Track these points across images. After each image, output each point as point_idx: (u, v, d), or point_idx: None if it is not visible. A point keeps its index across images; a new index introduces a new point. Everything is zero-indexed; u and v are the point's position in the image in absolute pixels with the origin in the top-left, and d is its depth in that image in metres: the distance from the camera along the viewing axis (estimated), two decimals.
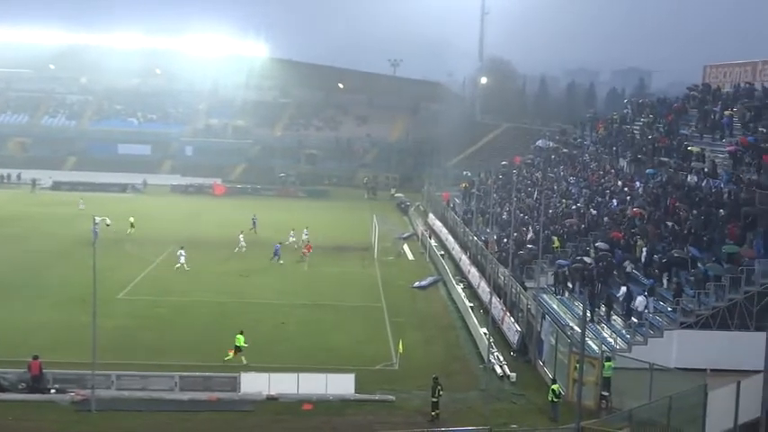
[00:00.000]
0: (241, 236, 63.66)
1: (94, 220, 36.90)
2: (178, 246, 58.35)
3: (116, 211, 73.38)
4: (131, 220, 68.96)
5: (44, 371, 32.66)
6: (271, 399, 32.83)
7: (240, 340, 37.07)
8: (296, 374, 33.47)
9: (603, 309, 38.65)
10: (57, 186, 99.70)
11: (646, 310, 36.20)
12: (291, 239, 64.22)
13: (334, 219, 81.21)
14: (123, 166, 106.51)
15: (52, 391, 32.53)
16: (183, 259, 55.98)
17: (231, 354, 36.58)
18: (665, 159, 53.66)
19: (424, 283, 55.28)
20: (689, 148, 51.45)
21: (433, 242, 68.24)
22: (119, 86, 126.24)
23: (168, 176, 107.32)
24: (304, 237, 64.18)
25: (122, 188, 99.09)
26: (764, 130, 46.52)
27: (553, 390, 31.68)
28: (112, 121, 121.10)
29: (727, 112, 54.12)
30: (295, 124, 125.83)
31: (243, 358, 36.59)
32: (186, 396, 32.62)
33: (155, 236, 67.63)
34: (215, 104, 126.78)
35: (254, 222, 70.32)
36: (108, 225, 63.39)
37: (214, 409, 31.91)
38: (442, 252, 64.65)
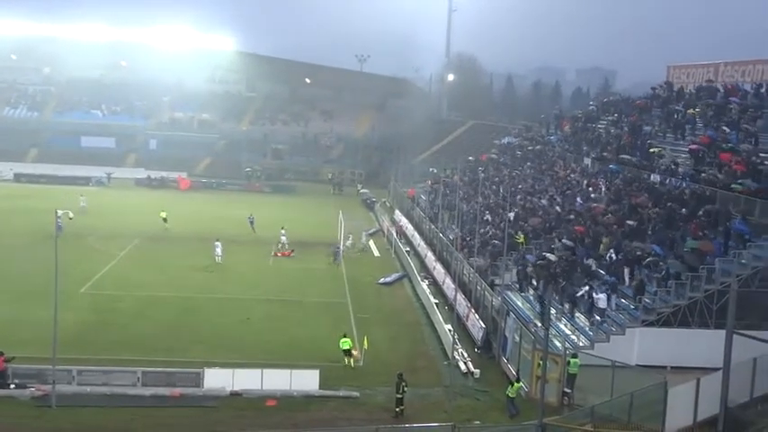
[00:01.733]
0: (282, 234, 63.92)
1: (57, 213, 36.44)
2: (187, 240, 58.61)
3: (78, 204, 72.48)
4: (163, 215, 69.04)
5: (6, 365, 32.22)
6: (234, 394, 32.67)
7: (347, 343, 36.91)
8: (260, 370, 33.33)
9: (567, 306, 38.92)
10: (18, 179, 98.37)
11: (608, 308, 36.53)
12: (283, 238, 63.72)
13: (299, 214, 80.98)
14: (86, 159, 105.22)
15: (12, 386, 32.09)
16: (219, 251, 56.94)
17: (349, 357, 36.60)
18: (629, 158, 54.20)
19: (389, 279, 55.32)
20: (650, 150, 51.99)
21: (398, 238, 68.31)
22: (82, 78, 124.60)
23: (132, 170, 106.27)
24: (282, 239, 63.73)
25: (86, 181, 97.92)
26: (726, 130, 47.16)
27: (514, 386, 31.86)
28: (76, 113, 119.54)
29: (690, 112, 54.81)
30: (261, 119, 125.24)
31: (352, 360, 36.61)
32: (149, 392, 32.35)
33: (119, 230, 66.95)
34: (180, 97, 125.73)
35: (252, 222, 69.31)
36: (71, 219, 62.54)
37: (177, 405, 31.68)
38: (408, 248, 64.74)
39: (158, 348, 37.52)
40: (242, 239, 65.70)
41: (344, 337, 37.49)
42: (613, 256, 40.60)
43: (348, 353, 36.74)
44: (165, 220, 68.09)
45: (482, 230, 53.30)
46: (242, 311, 44.96)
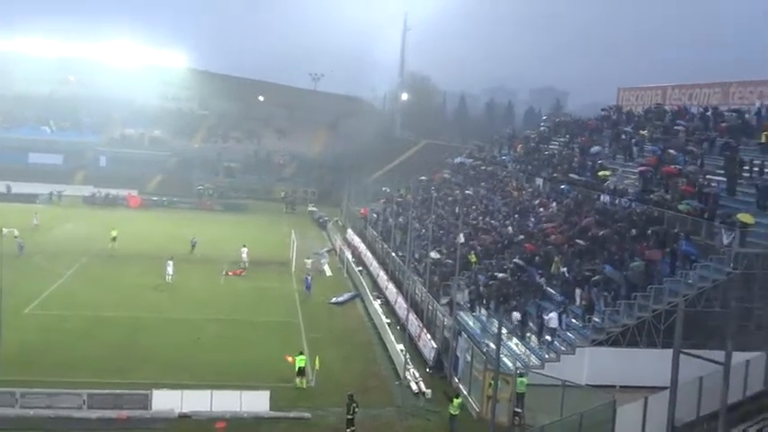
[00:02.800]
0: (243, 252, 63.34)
1: (1, 231, 35.83)
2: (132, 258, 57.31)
3: (26, 222, 71.29)
4: (114, 233, 67.65)
5: None
6: (183, 417, 32.25)
7: (303, 361, 36.54)
8: (209, 391, 32.98)
9: (519, 325, 39.21)
10: None
11: (559, 327, 36.90)
12: (244, 258, 63.28)
13: (251, 233, 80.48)
14: (34, 176, 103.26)
15: None
16: (170, 270, 56.11)
17: (302, 378, 36.29)
18: (579, 178, 54.94)
19: (341, 298, 55.20)
20: (599, 173, 52.75)
21: (351, 258, 68.27)
22: (31, 93, 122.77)
23: (81, 187, 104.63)
24: (243, 257, 63.35)
25: (32, 198, 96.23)
26: (672, 152, 48.09)
27: (454, 403, 31.99)
28: (23, 129, 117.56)
29: (639, 133, 55.82)
30: (214, 136, 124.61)
31: (304, 381, 36.33)
32: (95, 414, 31.76)
33: (66, 248, 65.92)
34: (131, 114, 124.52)
35: (194, 245, 68.36)
36: (16, 237, 61.65)
37: (124, 428, 31.20)
38: (360, 268, 64.72)
39: (106, 369, 36.94)
40: (193, 258, 65.15)
41: (301, 354, 37.31)
42: (566, 274, 41.05)
43: (302, 372, 36.56)
44: (113, 239, 67.20)
45: (434, 250, 53.52)
46: (192, 331, 44.47)
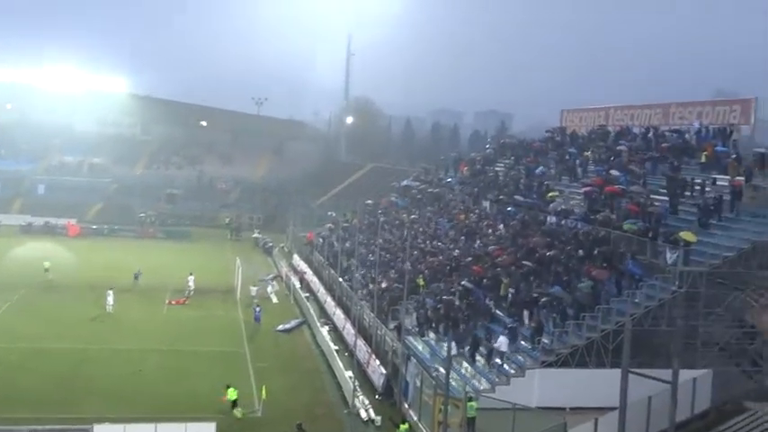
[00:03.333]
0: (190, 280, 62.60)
1: None
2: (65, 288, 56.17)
3: None
4: (47, 264, 66.20)
5: None
6: None
7: (234, 393, 35.76)
8: (153, 425, 32.35)
9: (468, 349, 39.22)
10: None
11: (508, 350, 36.97)
12: (190, 285, 62.46)
13: (195, 260, 79.57)
14: None
15: None
16: (110, 300, 55.22)
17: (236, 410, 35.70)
18: (525, 199, 55.36)
19: (288, 326, 54.84)
20: (548, 194, 53.23)
21: (297, 284, 67.86)
22: None
23: (18, 216, 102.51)
24: (189, 285, 62.60)
25: None
26: (616, 173, 48.74)
27: (400, 428, 31.86)
28: None
29: (584, 154, 56.51)
30: (156, 162, 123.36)
31: (239, 411, 35.70)
32: None
33: (2, 280, 64.33)
34: (70, 141, 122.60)
35: (137, 277, 67.05)
36: None
37: None
38: (307, 294, 64.35)
39: (47, 403, 36.11)
40: (135, 288, 64.11)
41: (229, 387, 36.88)
42: (513, 297, 41.21)
43: (235, 404, 36.13)
44: (46, 270, 65.79)
45: (382, 274, 53.45)
46: (134, 363, 43.74)
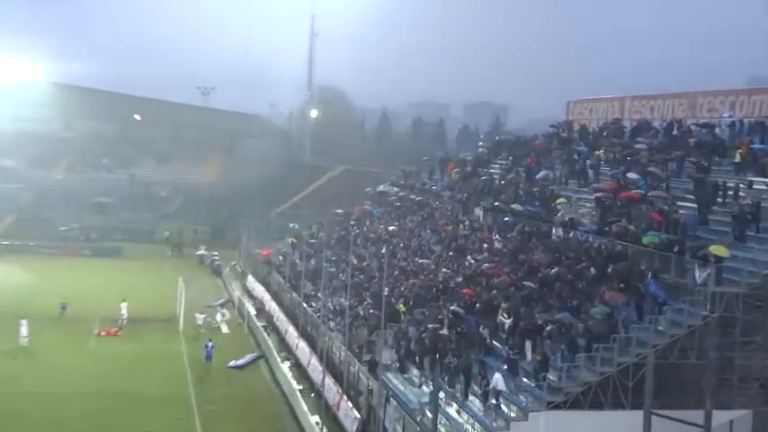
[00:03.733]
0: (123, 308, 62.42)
1: None
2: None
3: None
4: None
5: None
6: None
7: None
8: None
9: (459, 387, 39.07)
10: None
11: (507, 389, 36.85)
12: (123, 313, 62.12)
13: (128, 283, 79.12)
14: None
15: None
16: (24, 330, 55.03)
17: None
18: (526, 208, 55.41)
19: (241, 361, 54.71)
20: (554, 202, 53.26)
21: (252, 311, 67.56)
22: None
23: None
24: (122, 313, 62.23)
25: None
26: (633, 175, 48.86)
27: None
28: None
29: (597, 153, 56.68)
30: (81, 165, 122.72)
31: None
32: None
33: None
34: None
35: (64, 308, 65.46)
36: None
37: None
38: (264, 323, 64.17)
39: None
40: (55, 317, 63.56)
41: None
42: (512, 325, 41.11)
43: None
44: None
45: (354, 299, 53.30)
46: (53, 408, 43.31)
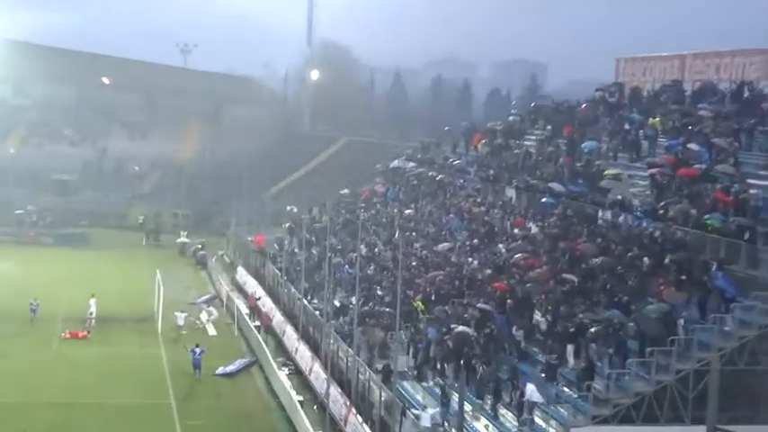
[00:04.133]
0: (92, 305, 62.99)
1: None
2: None
3: None
4: None
5: None
6: None
7: None
8: None
9: (488, 399, 39.40)
10: None
11: (542, 400, 37.16)
12: (92, 311, 62.67)
13: (96, 276, 79.55)
14: None
15: None
16: None
17: None
18: (568, 187, 55.50)
19: (231, 368, 54.89)
20: (606, 172, 53.33)
21: (244, 308, 67.81)
22: None
23: None
24: (91, 310, 62.75)
25: None
26: (694, 147, 48.92)
27: None
28: None
29: (652, 121, 56.70)
30: (37, 136, 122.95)
31: None
32: None
33: None
34: None
35: (35, 310, 64.70)
36: None
37: None
38: (258, 323, 64.40)
39: None
40: (12, 313, 64.05)
41: None
42: (551, 325, 41.38)
43: None
44: None
45: (364, 295, 53.58)
46: (15, 422, 43.73)
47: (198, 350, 53.73)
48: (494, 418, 38.41)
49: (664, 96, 60.88)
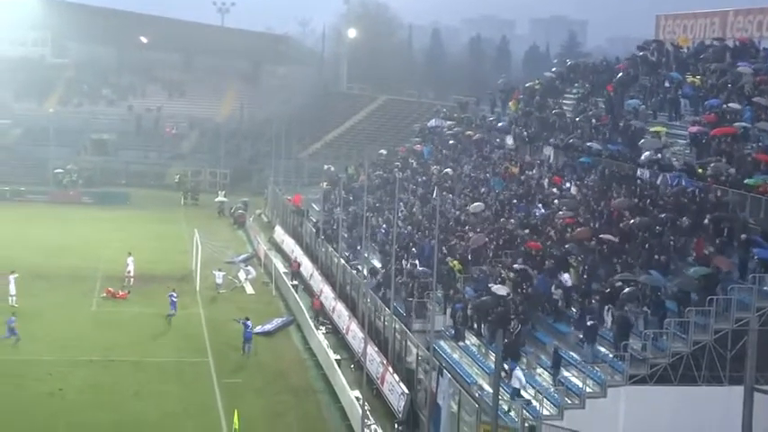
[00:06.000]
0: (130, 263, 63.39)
1: None
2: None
3: None
4: None
5: None
6: None
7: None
8: None
9: (525, 359, 39.40)
10: None
11: (582, 360, 37.11)
12: (129, 270, 63.09)
13: (136, 235, 79.92)
14: None
15: None
16: (12, 288, 56.01)
17: None
18: (606, 146, 55.26)
19: (269, 326, 55.02)
20: (651, 130, 52.91)
21: (281, 268, 68.00)
22: None
23: None
24: (129, 269, 63.18)
25: None
26: (735, 106, 48.49)
27: None
28: None
29: (691, 79, 56.26)
30: (77, 96, 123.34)
31: None
32: None
33: None
34: None
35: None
36: None
37: None
38: (296, 282, 64.57)
39: None
40: (51, 272, 64.51)
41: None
42: (587, 285, 41.29)
43: None
44: None
45: (401, 254, 53.59)
46: (51, 379, 44.09)
47: (250, 323, 51.18)
48: (529, 376, 38.39)
49: (704, 54, 60.37)
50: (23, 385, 43.37)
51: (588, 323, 38.40)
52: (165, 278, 64.91)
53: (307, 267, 66.90)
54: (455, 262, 49.64)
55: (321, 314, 57.55)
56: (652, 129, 53.00)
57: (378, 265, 57.38)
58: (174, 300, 56.40)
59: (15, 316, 51.64)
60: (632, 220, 43.65)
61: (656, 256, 40.06)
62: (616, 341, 37.10)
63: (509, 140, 66.95)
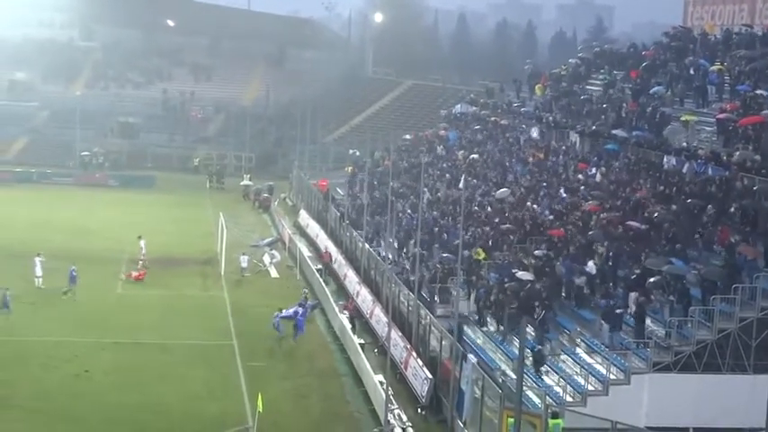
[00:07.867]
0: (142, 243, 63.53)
1: None
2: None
3: None
4: None
5: None
6: None
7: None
8: None
9: (548, 345, 39.42)
10: None
11: (607, 346, 37.11)
12: (142, 254, 63.30)
13: (161, 218, 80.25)
14: None
15: None
16: (39, 270, 56.12)
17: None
18: (632, 134, 55.10)
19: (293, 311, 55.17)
20: (682, 118, 52.70)
21: (306, 252, 68.11)
22: None
23: None
24: (142, 252, 63.35)
25: None
26: (763, 93, 48.25)
27: None
28: None
29: (715, 67, 56.02)
30: (103, 79, 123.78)
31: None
32: None
33: None
34: None
35: (74, 278, 65.56)
36: None
37: None
38: (320, 266, 64.67)
39: None
40: (77, 255, 64.74)
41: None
42: (611, 272, 41.25)
43: None
44: None
45: (426, 240, 53.61)
46: (77, 361, 44.31)
47: (302, 309, 50.52)
48: (553, 363, 38.42)
49: (732, 41, 60.06)
50: (50, 366, 43.61)
51: (616, 311, 38.41)
52: (190, 261, 65.16)
53: (331, 252, 66.87)
54: (479, 250, 49.67)
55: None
56: (682, 118, 52.75)
57: (402, 249, 57.42)
58: (74, 275, 55.49)
59: (9, 291, 51.73)
60: (659, 208, 43.57)
61: (682, 245, 39.99)
62: (639, 329, 37.08)
63: (534, 132, 66.74)
